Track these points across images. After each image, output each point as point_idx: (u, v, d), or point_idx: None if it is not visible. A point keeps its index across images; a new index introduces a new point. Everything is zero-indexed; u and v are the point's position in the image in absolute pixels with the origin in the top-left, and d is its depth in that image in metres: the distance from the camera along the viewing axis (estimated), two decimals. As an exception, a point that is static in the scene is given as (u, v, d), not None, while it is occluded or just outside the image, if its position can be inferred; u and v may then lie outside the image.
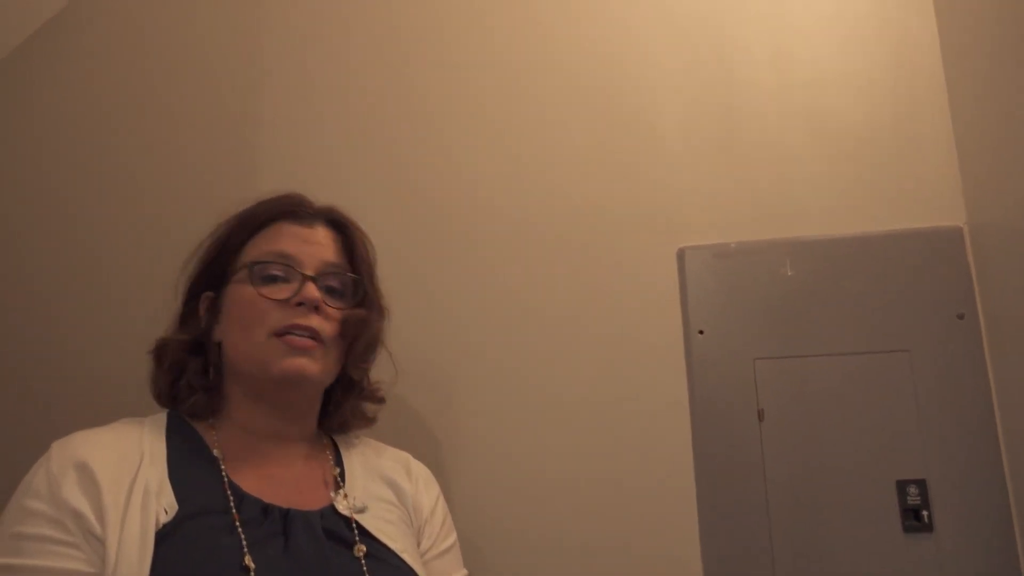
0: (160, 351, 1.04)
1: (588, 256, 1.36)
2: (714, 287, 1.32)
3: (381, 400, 1.12)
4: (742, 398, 1.27)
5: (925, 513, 1.18)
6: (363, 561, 0.92)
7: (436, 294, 1.37)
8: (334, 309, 1.01)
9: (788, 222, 1.31)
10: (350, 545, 0.94)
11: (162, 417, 1.00)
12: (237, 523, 0.89)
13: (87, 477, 0.86)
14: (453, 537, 1.09)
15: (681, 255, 1.34)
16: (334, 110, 1.50)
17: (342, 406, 1.08)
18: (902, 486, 1.20)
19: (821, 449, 1.23)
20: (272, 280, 1.00)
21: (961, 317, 1.23)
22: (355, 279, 1.05)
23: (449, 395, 1.34)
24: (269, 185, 1.45)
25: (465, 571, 1.08)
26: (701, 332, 1.31)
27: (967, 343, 1.22)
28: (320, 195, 1.39)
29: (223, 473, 0.95)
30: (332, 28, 1.53)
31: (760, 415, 1.26)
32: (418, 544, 1.03)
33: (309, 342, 0.98)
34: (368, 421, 1.11)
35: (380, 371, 1.12)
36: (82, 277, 1.52)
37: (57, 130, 1.60)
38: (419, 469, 1.12)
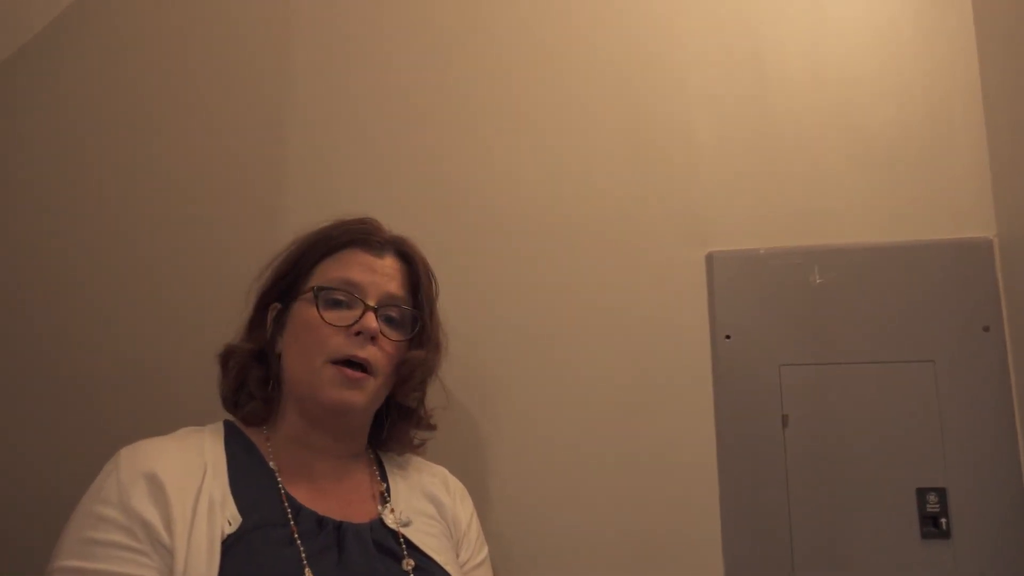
0: (226, 357, 1.08)
1: (618, 258, 1.37)
2: (742, 292, 1.33)
3: (433, 428, 1.16)
4: (767, 403, 1.29)
5: (943, 521, 1.21)
6: (411, 573, 0.96)
7: (465, 295, 1.38)
8: (390, 340, 1.05)
9: (818, 229, 1.33)
10: (398, 558, 0.98)
11: (219, 427, 1.04)
12: (296, 535, 0.93)
13: (156, 488, 0.90)
14: (486, 549, 1.13)
15: (710, 259, 1.35)
16: (368, 111, 1.50)
17: (396, 431, 1.13)
18: (922, 494, 1.23)
19: (844, 456, 1.26)
20: (336, 305, 1.04)
21: (987, 330, 1.25)
22: (414, 313, 1.09)
23: (480, 396, 1.36)
24: (302, 184, 1.48)
25: None
26: (728, 337, 1.33)
27: (992, 355, 1.24)
28: (353, 195, 1.41)
29: (280, 486, 0.98)
30: (365, 26, 1.53)
31: (784, 421, 1.29)
32: (456, 556, 1.07)
33: (360, 375, 1.02)
34: (418, 447, 1.15)
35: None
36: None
37: (88, 131, 1.60)
38: (455, 484, 1.16)
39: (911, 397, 1.26)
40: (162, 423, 1.05)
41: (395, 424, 1.13)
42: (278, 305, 1.09)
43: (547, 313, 1.38)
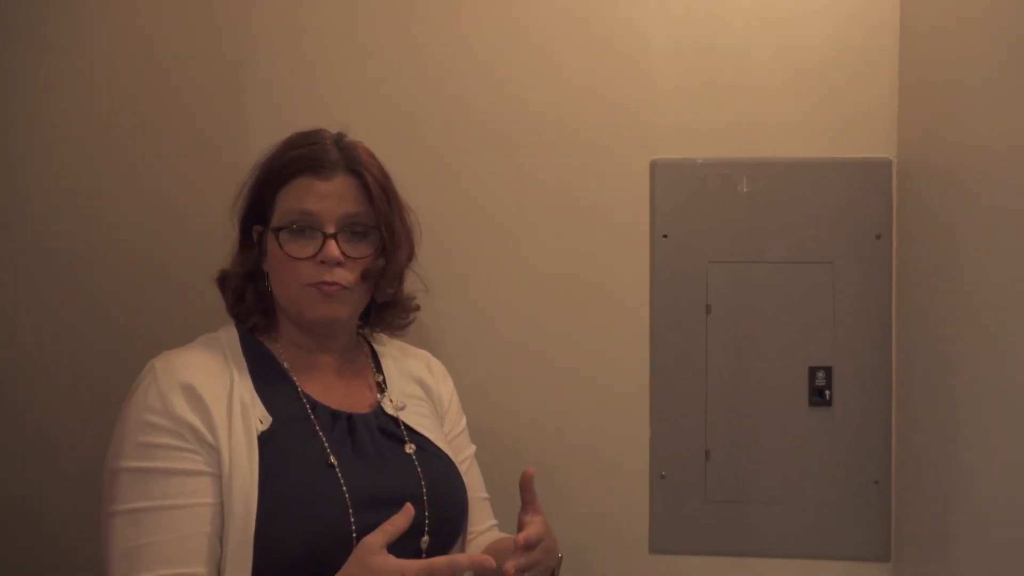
0: (222, 281, 1.19)
1: (572, 162, 1.52)
2: (679, 197, 1.51)
3: (415, 308, 1.29)
4: (695, 294, 1.51)
5: (828, 392, 1.49)
6: (414, 456, 1.15)
7: (421, 199, 1.45)
8: (357, 259, 1.13)
9: (748, 143, 1.50)
10: (401, 441, 1.16)
11: (233, 333, 1.16)
12: (317, 428, 1.10)
13: (194, 397, 1.04)
14: (464, 420, 1.33)
15: (653, 166, 1.51)
16: (328, 15, 1.54)
17: (379, 317, 1.26)
18: (813, 371, 1.50)
19: (753, 339, 1.51)
20: (300, 234, 1.12)
21: (879, 237, 1.49)
22: (374, 226, 1.15)
23: (443, 281, 1.48)
24: (263, 94, 1.53)
25: (473, 447, 1.32)
26: (665, 236, 1.52)
27: (880, 260, 1.48)
28: (314, 96, 1.48)
29: (296, 385, 1.13)
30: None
31: (708, 309, 1.51)
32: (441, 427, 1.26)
33: (337, 288, 1.11)
34: (404, 327, 1.28)
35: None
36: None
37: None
38: (437, 365, 1.33)
39: (811, 292, 1.50)
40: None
41: (380, 312, 1.26)
42: (259, 228, 1.17)
43: (503, 211, 1.53)
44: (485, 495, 1.31)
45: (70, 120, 1.56)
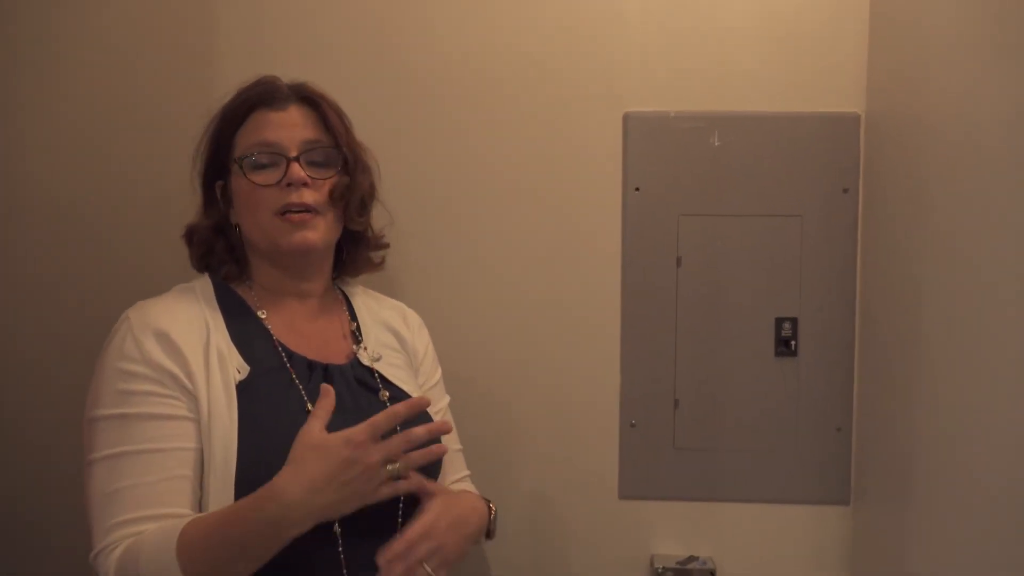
0: (189, 235, 1.19)
1: (545, 116, 1.52)
2: (652, 150, 1.52)
3: (386, 246, 1.30)
4: (666, 247, 1.53)
5: (793, 343, 1.53)
6: (388, 404, 1.16)
7: (392, 150, 1.42)
8: (322, 180, 1.15)
9: (720, 97, 1.51)
10: (375, 391, 1.18)
11: (207, 283, 1.16)
12: (294, 377, 1.11)
13: (170, 345, 1.04)
14: (439, 371, 1.34)
15: (626, 119, 1.52)
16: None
17: (353, 256, 1.27)
18: (779, 322, 1.53)
19: (722, 291, 1.53)
20: (262, 167, 1.13)
21: (846, 191, 1.51)
22: (333, 150, 1.17)
23: (411, 240, 1.50)
24: (233, 49, 1.51)
25: (448, 397, 1.34)
26: (637, 189, 1.53)
27: (847, 213, 1.51)
28: (283, 54, 1.46)
29: (272, 334, 1.14)
30: None
31: (678, 262, 1.53)
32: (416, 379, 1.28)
33: (306, 215, 1.13)
34: (377, 266, 1.30)
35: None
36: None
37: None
38: (412, 317, 1.34)
39: (780, 245, 1.52)
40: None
41: (352, 250, 1.27)
42: (221, 182, 1.18)
43: (475, 164, 1.53)
44: (459, 446, 1.33)
45: (38, 97, 1.54)
